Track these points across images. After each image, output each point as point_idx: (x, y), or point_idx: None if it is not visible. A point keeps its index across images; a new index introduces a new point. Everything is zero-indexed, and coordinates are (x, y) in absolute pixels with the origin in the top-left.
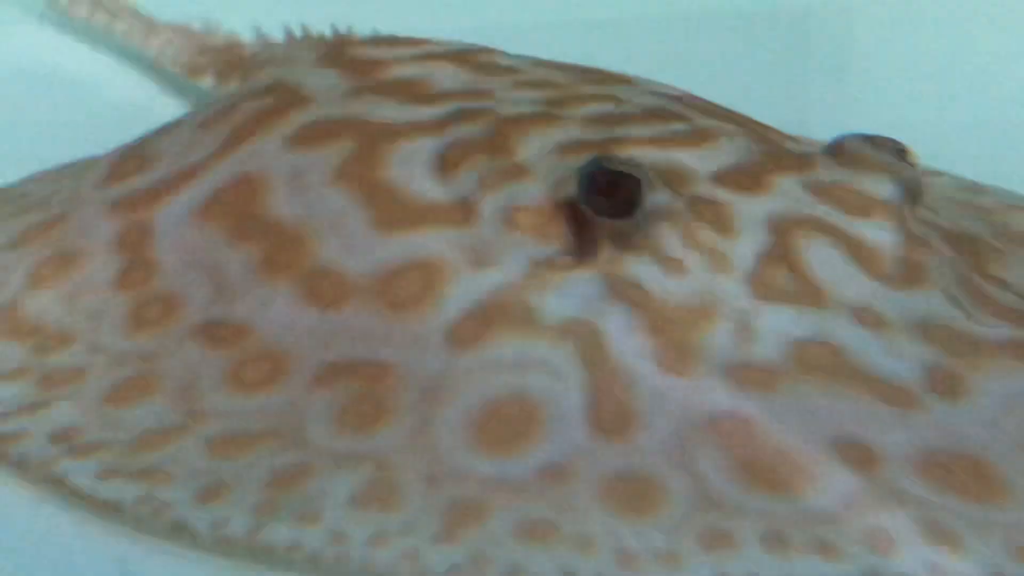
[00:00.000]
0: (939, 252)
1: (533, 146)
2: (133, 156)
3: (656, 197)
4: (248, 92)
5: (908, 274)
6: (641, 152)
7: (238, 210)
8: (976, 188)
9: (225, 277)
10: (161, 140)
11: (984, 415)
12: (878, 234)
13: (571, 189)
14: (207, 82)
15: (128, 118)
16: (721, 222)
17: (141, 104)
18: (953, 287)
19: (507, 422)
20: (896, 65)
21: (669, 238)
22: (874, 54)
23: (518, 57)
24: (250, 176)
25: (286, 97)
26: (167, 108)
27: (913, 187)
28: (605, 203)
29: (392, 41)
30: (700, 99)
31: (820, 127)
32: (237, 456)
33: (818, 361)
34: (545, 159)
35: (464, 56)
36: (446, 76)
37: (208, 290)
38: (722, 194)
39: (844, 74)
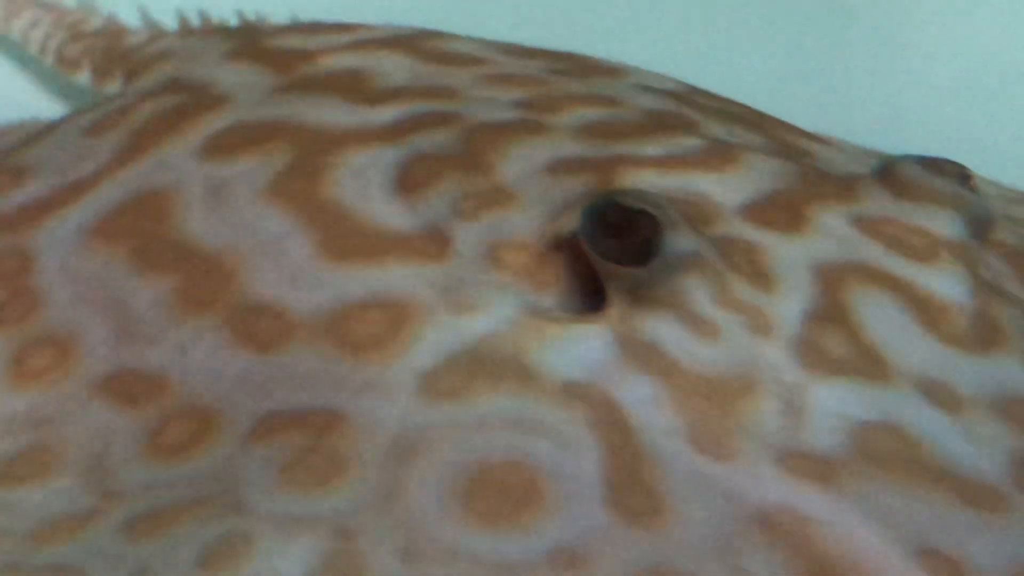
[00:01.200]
0: (1014, 299)
1: (516, 163)
2: (4, 168)
3: (679, 241)
4: (145, 91)
5: (983, 334)
6: (652, 179)
7: (142, 232)
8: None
9: (130, 315)
10: (39, 148)
11: None
12: (946, 284)
13: (572, 226)
14: (82, 77)
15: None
16: (758, 272)
17: (13, 100)
18: None
19: (505, 490)
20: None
21: (697, 293)
22: (924, 35)
23: (475, 41)
24: (156, 191)
25: (194, 97)
26: (43, 105)
27: (982, 221)
28: (616, 247)
29: (316, 28)
30: (699, 92)
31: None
32: (162, 535)
33: (885, 450)
34: (533, 181)
35: (410, 42)
36: (394, 68)
37: (108, 331)
38: (755, 234)
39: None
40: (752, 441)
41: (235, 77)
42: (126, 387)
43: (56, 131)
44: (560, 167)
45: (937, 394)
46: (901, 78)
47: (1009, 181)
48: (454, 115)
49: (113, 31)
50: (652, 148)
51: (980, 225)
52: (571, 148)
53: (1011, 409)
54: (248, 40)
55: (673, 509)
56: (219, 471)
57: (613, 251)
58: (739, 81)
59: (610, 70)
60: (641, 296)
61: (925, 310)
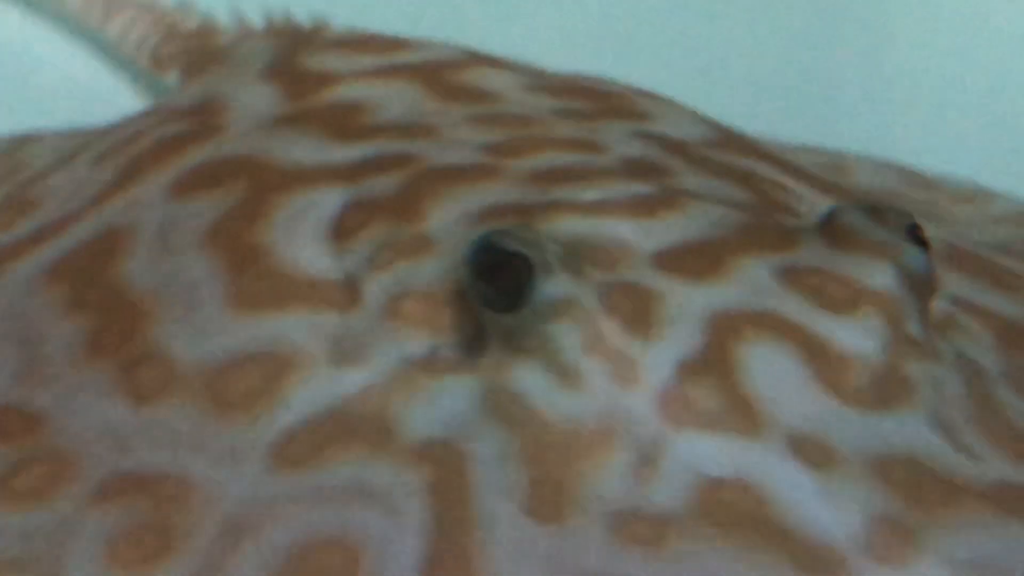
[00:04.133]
0: (951, 360)
1: (448, 211)
2: (16, 200)
3: (552, 285)
4: (166, 111)
5: (886, 391)
6: (570, 222)
7: (86, 273)
8: None
9: (39, 355)
10: (56, 176)
11: None
12: (854, 336)
13: (460, 272)
14: (171, 79)
15: (77, 108)
16: (642, 318)
17: (97, 92)
18: (955, 407)
19: (322, 573)
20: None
21: (566, 340)
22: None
23: (510, 73)
24: (115, 231)
25: (196, 124)
26: (127, 99)
27: (918, 274)
28: (491, 292)
29: (361, 44)
30: (730, 141)
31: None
32: None
33: (729, 509)
34: (456, 229)
35: (441, 70)
36: (397, 101)
37: (14, 368)
38: (658, 280)
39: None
40: (591, 500)
41: (251, 99)
42: (3, 423)
43: (75, 156)
44: (489, 213)
45: (807, 450)
46: (889, 79)
47: (997, 182)
48: (414, 157)
49: (207, 32)
50: (592, 193)
51: (917, 278)
52: (511, 194)
53: (888, 470)
54: (287, 55)
55: None
56: (53, 530)
57: (489, 295)
58: (723, 83)
59: (639, 113)
60: (513, 343)
61: (824, 363)
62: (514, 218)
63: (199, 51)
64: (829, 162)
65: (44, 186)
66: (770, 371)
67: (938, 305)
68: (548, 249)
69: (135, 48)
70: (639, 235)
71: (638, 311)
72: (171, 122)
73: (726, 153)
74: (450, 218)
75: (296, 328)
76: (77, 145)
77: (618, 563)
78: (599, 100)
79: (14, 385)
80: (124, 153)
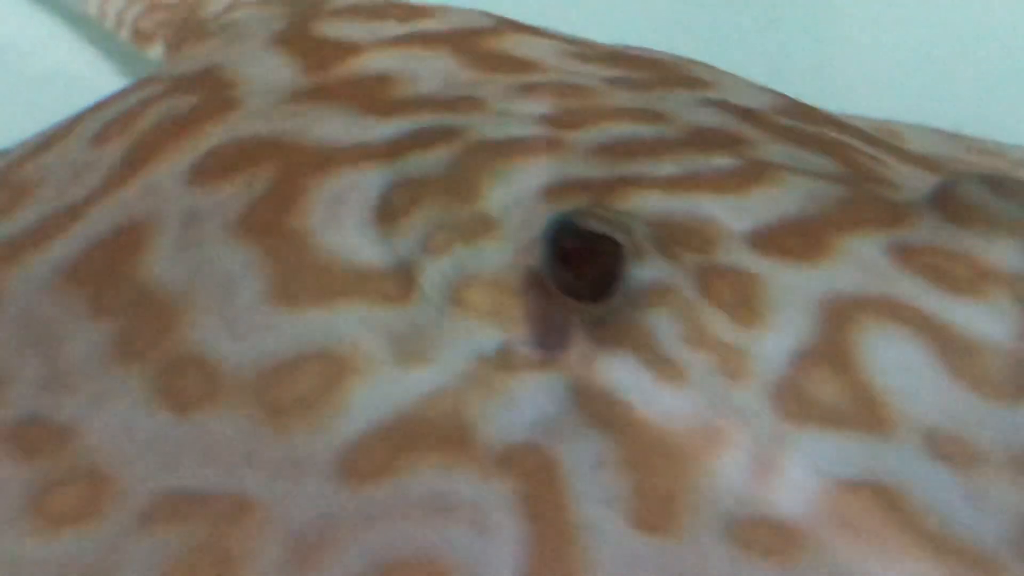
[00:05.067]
0: None
1: (508, 187)
2: (7, 184)
3: (646, 271)
4: (165, 85)
5: (1022, 379)
6: (650, 200)
7: (109, 272)
8: None
9: (63, 362)
10: (46, 156)
11: None
12: (983, 321)
13: (536, 257)
14: (155, 52)
15: (64, 93)
16: (746, 305)
17: (81, 76)
18: None
19: None
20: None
21: (664, 330)
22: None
23: (546, 40)
24: (135, 224)
25: (206, 99)
26: (111, 80)
27: None
28: (575, 279)
29: (378, 11)
30: (796, 109)
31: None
32: None
33: (866, 516)
34: (520, 208)
35: (472, 38)
36: (430, 72)
37: (36, 376)
38: (758, 263)
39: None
40: (704, 509)
41: (262, 71)
42: (30, 436)
43: (67, 134)
44: (556, 191)
45: (945, 448)
46: (837, 42)
47: None
48: (460, 130)
49: (193, 1)
50: (668, 168)
51: None
52: (577, 168)
53: None
54: (301, 20)
55: None
56: (97, 559)
57: (572, 284)
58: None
59: (700, 82)
60: (602, 335)
61: (952, 351)
62: (584, 196)
63: (185, 22)
64: (881, 128)
65: (35, 167)
66: (894, 361)
67: None
68: (638, 230)
69: (115, 22)
70: (729, 213)
71: (741, 297)
72: (176, 94)
73: (799, 121)
74: (510, 196)
75: (349, 324)
76: (61, 125)
77: (744, 575)
78: (651, 68)
79: (37, 394)
80: (128, 131)
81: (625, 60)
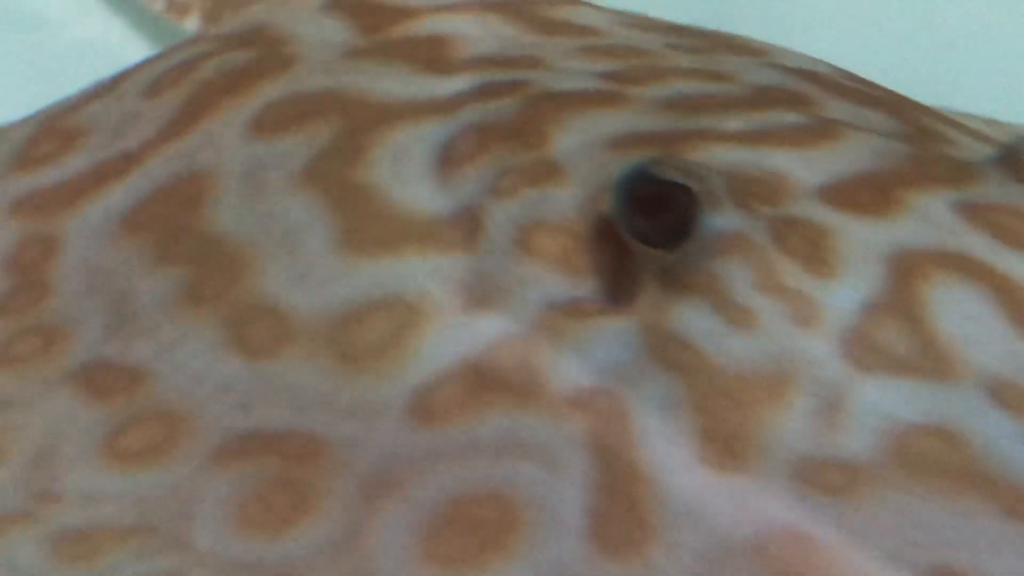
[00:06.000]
0: None
1: (575, 136)
2: (56, 129)
3: (720, 219)
4: (217, 42)
5: None
6: (720, 153)
7: (171, 222)
8: None
9: (129, 308)
10: (95, 105)
11: None
12: None
13: (607, 204)
14: (191, 24)
15: (96, 64)
16: (818, 256)
17: (112, 46)
18: None
19: (476, 529)
20: None
21: (737, 278)
22: None
23: (606, 13)
24: (195, 174)
25: (263, 54)
26: (143, 52)
27: None
28: (648, 226)
29: None
30: (853, 77)
31: None
32: (86, 562)
33: (926, 455)
34: (588, 156)
35: (528, 6)
36: (488, 35)
37: (104, 324)
38: (829, 216)
39: None
40: (771, 448)
41: (316, 31)
42: (99, 379)
43: (116, 85)
44: (624, 141)
45: (1007, 395)
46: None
47: None
48: (523, 83)
49: None
50: (736, 122)
51: None
52: (644, 121)
53: None
54: None
55: (659, 536)
56: (173, 493)
57: (646, 231)
58: None
59: (753, 49)
60: (674, 282)
61: (1015, 303)
62: (653, 147)
63: None
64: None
65: (83, 116)
66: (961, 312)
67: None
68: (712, 179)
69: None
70: (799, 166)
71: (813, 248)
72: (230, 50)
73: (859, 84)
74: (578, 144)
75: (418, 272)
76: (106, 81)
77: (809, 512)
78: (709, 38)
79: (107, 338)
80: (183, 84)
81: (681, 30)
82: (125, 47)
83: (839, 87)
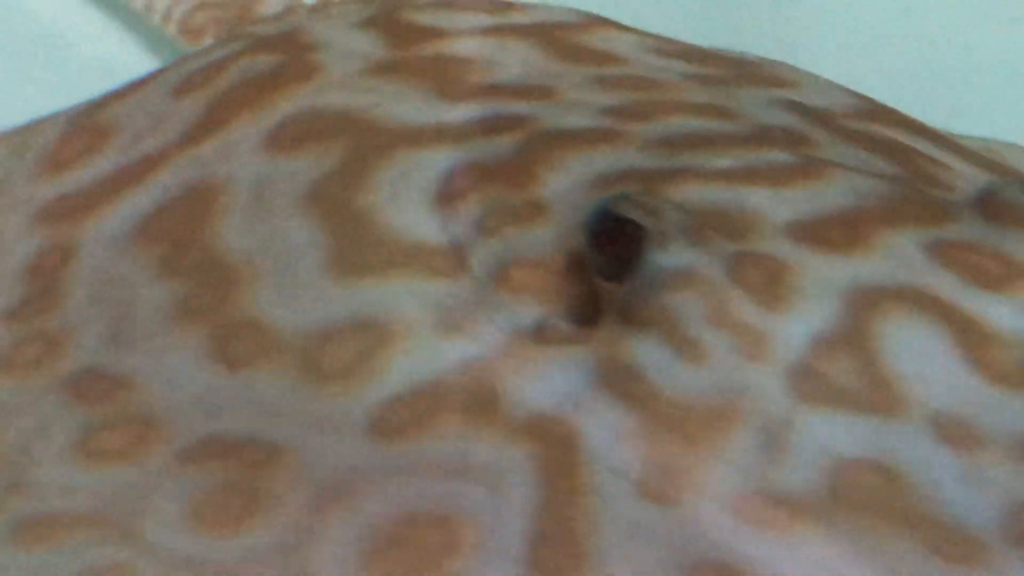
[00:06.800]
0: None
1: (565, 176)
2: (86, 128)
3: (670, 255)
4: (248, 43)
5: None
6: (697, 190)
7: (180, 234)
8: None
9: (128, 319)
10: (126, 103)
11: None
12: (1006, 314)
13: (577, 239)
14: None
15: (111, 83)
16: (772, 290)
17: (128, 67)
18: None
19: (418, 549)
20: None
21: (688, 312)
22: None
23: (635, 38)
24: (208, 186)
25: (288, 60)
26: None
27: None
28: (602, 260)
29: (471, 5)
30: (877, 113)
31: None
32: (40, 547)
33: (860, 490)
34: (572, 195)
35: (557, 31)
36: (511, 60)
37: (103, 331)
38: (792, 252)
39: None
40: (710, 482)
41: (346, 41)
42: (88, 385)
43: (148, 84)
44: (608, 179)
45: (949, 431)
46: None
47: None
48: (530, 119)
49: (244, 1)
50: (725, 161)
51: None
52: (634, 159)
53: None
54: (389, 9)
55: (595, 568)
56: (132, 489)
57: (600, 263)
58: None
59: (782, 80)
60: (630, 315)
61: (972, 341)
62: (636, 185)
63: (239, 19)
64: (980, 147)
65: (113, 113)
66: (913, 348)
67: None
68: (667, 216)
69: (162, 17)
70: (773, 204)
71: (769, 283)
72: (258, 52)
73: (875, 124)
74: (565, 184)
75: (398, 296)
76: (142, 77)
77: (741, 546)
78: (735, 67)
79: (103, 348)
80: (208, 86)
81: (708, 57)
82: (141, 66)
83: (846, 130)
